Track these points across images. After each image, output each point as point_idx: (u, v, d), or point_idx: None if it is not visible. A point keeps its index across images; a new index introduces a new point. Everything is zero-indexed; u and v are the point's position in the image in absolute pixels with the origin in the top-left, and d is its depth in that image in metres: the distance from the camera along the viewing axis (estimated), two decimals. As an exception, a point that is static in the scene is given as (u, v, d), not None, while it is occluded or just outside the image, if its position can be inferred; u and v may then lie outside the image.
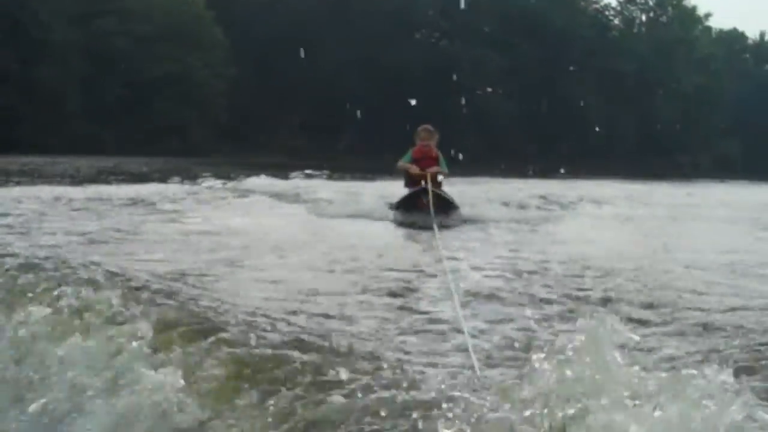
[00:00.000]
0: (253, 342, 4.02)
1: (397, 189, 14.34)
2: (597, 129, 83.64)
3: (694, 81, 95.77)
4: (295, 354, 3.84)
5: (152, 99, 60.16)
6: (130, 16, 60.79)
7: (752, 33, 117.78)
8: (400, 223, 12.24)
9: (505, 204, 17.51)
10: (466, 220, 12.80)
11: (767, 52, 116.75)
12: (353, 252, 8.33)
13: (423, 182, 12.69)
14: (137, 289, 5.30)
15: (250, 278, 6.67)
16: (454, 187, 14.68)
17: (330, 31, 74.45)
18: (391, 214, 12.91)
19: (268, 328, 4.51)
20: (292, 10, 74.50)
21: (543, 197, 20.29)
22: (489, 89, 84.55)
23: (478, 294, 6.15)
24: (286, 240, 9.37)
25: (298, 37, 72.02)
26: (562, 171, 43.28)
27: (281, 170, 34.77)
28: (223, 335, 4.10)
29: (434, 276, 7.00)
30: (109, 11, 60.00)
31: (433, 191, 12.31)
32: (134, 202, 14.83)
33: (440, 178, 13.37)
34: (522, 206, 17.37)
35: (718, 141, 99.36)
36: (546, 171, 49.52)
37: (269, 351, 3.90)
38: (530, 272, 7.29)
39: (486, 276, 7.05)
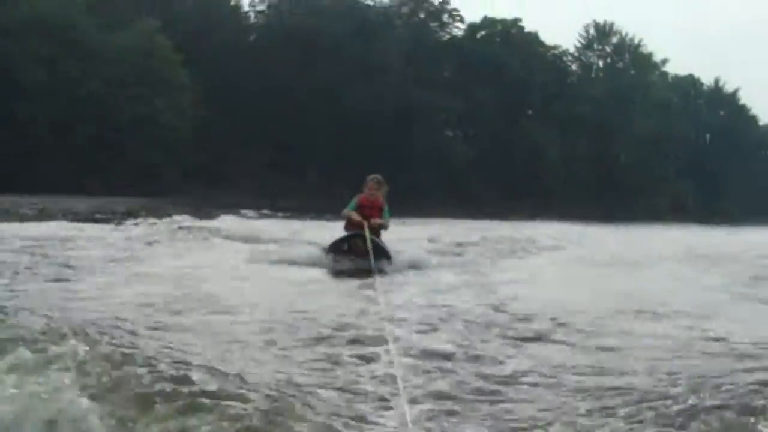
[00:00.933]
0: (165, 392, 4.15)
1: (338, 232, 14.66)
2: (554, 171, 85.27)
3: (650, 125, 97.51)
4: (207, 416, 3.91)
5: (123, 141, 60.89)
6: (99, 59, 61.72)
7: (707, 79, 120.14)
8: (332, 268, 12.35)
9: (452, 246, 18.16)
10: (408, 266, 12.85)
11: (720, 98, 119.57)
12: (277, 300, 8.45)
13: (362, 229, 12.89)
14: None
15: (160, 325, 6.69)
16: (410, 227, 15.30)
17: (296, 72, 75.70)
18: (324, 258, 12.97)
19: (180, 378, 4.51)
20: (259, 52, 75.88)
21: (491, 239, 20.68)
22: (449, 133, 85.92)
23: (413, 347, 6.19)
24: (210, 289, 9.24)
25: (265, 78, 73.74)
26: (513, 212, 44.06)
27: (240, 209, 35.78)
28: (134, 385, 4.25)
29: (369, 327, 6.98)
30: (78, 55, 60.87)
31: (371, 237, 12.51)
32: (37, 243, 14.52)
33: (382, 230, 13.65)
34: (464, 249, 17.86)
35: (672, 184, 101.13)
36: (502, 213, 50.86)
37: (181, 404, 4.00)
38: (464, 320, 7.49)
39: (421, 328, 7.06)
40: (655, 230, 44.30)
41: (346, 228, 13.67)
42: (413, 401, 4.63)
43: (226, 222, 25.00)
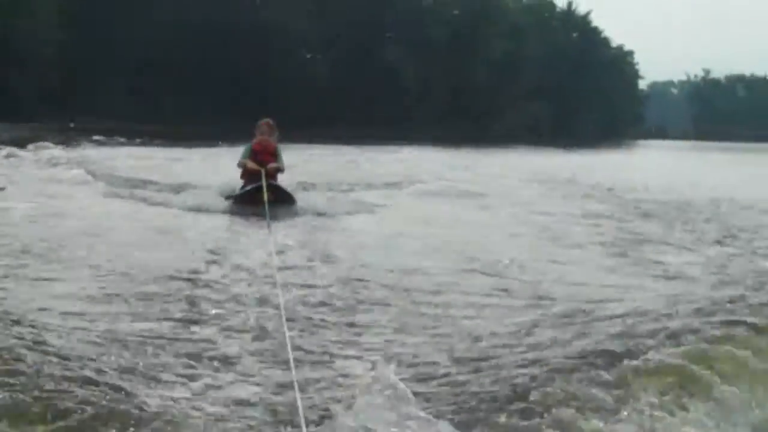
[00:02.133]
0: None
1: (223, 168, 15.27)
2: (410, 93, 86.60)
3: (503, 47, 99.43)
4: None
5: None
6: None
7: (561, 2, 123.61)
8: (236, 215, 12.39)
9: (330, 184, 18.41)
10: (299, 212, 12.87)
11: (574, 20, 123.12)
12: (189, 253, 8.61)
13: (259, 176, 13.01)
14: None
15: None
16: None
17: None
18: (226, 206, 13.07)
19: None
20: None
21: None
22: (308, 55, 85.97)
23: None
24: (124, 241, 9.38)
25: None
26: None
27: (109, 136, 35.54)
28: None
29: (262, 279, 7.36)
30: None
31: (271, 184, 12.74)
32: None
33: (279, 176, 13.81)
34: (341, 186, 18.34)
35: (525, 105, 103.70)
36: (360, 136, 51.72)
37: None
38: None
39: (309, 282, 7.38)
40: (504, 155, 45.08)
41: (243, 176, 13.76)
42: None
43: (103, 153, 25.34)
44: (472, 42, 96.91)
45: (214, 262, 8.19)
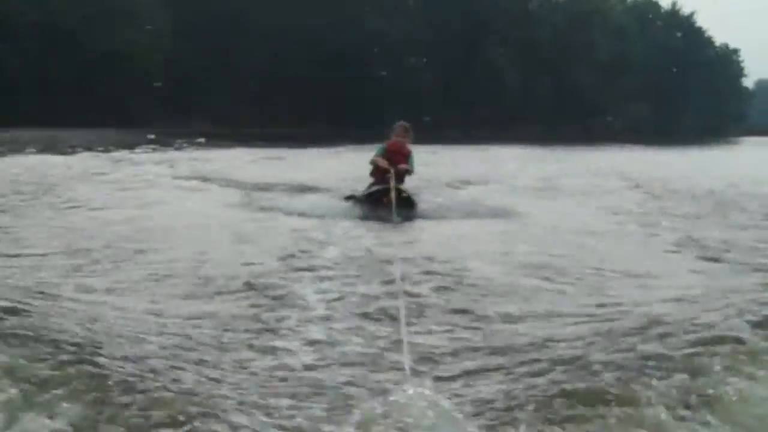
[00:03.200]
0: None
1: (347, 168, 15.71)
2: (515, 95, 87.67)
3: (609, 49, 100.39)
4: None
5: (94, 74, 62.91)
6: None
7: (665, 2, 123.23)
8: (363, 218, 12.02)
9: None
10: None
11: (678, 20, 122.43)
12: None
13: (388, 173, 13.04)
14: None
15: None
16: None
17: (257, 3, 77.66)
18: (350, 207, 13.00)
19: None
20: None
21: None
22: (413, 59, 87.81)
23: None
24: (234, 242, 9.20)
25: (233, 13, 75.34)
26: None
27: (223, 141, 36.28)
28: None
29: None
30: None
31: (396, 187, 12.59)
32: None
33: (406, 178, 13.75)
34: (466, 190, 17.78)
35: (629, 105, 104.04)
36: (462, 139, 52.98)
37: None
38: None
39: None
40: (606, 153, 44.66)
41: (372, 174, 13.84)
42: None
43: (220, 155, 25.78)
44: (577, 44, 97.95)
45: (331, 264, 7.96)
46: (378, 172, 13.57)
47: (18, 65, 59.42)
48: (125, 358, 4.34)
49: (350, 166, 18.31)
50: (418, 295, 6.48)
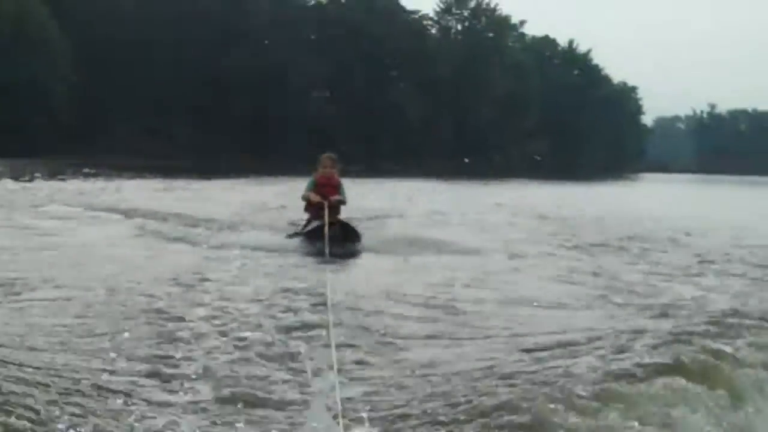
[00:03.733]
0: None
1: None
2: (417, 129, 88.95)
3: (506, 85, 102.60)
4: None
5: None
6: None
7: (563, 40, 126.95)
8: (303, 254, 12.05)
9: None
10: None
11: (574, 58, 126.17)
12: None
13: (322, 209, 12.99)
14: None
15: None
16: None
17: (165, 36, 77.63)
18: (291, 243, 12.95)
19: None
20: (133, 18, 77.15)
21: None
22: (315, 93, 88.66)
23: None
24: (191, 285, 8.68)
25: (138, 44, 75.28)
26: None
27: (127, 171, 36.01)
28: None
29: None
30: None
31: (339, 220, 12.81)
32: None
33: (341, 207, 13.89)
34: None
35: (527, 141, 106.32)
36: (367, 171, 53.57)
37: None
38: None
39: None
40: (503, 188, 46.38)
41: (306, 209, 13.89)
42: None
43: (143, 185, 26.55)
44: (475, 80, 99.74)
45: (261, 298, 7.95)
46: (311, 207, 13.65)
47: None
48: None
49: (254, 197, 18.59)
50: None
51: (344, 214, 13.84)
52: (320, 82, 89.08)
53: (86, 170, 31.31)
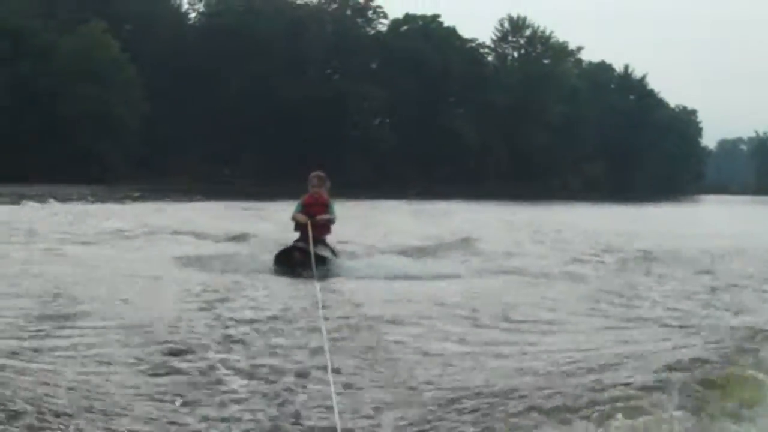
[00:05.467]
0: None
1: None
2: (473, 153, 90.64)
3: (562, 110, 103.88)
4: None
5: (74, 133, 65.30)
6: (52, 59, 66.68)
7: (618, 65, 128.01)
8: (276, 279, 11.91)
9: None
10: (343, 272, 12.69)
11: (630, 83, 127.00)
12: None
13: (306, 229, 13.07)
14: None
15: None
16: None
17: (230, 67, 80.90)
18: (269, 268, 12.83)
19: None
20: (198, 50, 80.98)
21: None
22: (375, 120, 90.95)
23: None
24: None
25: (204, 75, 78.45)
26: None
27: (182, 196, 37.57)
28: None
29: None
30: (32, 53, 65.65)
31: (309, 250, 12.30)
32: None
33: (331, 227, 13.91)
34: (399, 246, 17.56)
35: (584, 164, 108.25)
36: (425, 192, 54.88)
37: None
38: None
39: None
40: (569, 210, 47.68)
41: (296, 228, 13.78)
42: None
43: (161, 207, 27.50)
44: (531, 106, 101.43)
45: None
46: (300, 227, 13.58)
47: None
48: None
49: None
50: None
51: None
52: (381, 109, 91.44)
53: (156, 195, 32.86)
